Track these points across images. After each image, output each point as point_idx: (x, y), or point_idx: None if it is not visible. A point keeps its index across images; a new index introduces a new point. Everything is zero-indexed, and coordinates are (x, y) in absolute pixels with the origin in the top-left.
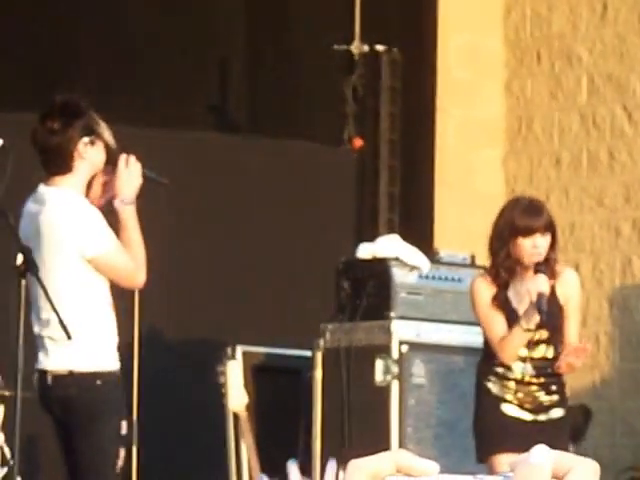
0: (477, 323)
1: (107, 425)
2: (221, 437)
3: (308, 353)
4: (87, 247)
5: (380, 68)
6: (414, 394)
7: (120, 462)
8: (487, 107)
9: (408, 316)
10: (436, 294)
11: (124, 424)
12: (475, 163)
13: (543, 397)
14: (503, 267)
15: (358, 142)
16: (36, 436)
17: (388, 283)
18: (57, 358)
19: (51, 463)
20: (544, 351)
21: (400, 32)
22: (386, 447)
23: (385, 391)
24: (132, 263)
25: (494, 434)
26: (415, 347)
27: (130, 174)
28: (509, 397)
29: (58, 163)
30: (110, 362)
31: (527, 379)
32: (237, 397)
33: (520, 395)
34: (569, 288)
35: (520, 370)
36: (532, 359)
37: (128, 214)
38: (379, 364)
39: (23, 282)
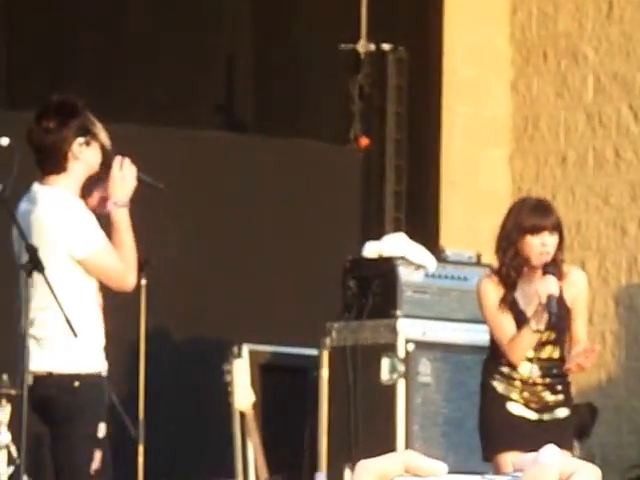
0: (483, 321)
1: (83, 427)
2: (227, 436)
3: (314, 352)
4: (77, 248)
5: (386, 67)
6: (420, 393)
7: (95, 464)
8: (493, 106)
9: (414, 315)
10: (442, 293)
11: (102, 426)
12: (481, 162)
13: (548, 397)
14: (511, 266)
15: (364, 141)
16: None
17: (394, 282)
18: (38, 358)
19: None
20: (551, 352)
21: (406, 31)
22: (392, 446)
23: (391, 390)
24: (122, 265)
25: (500, 433)
26: (421, 346)
27: (124, 177)
28: (515, 396)
29: (52, 163)
30: (91, 364)
31: (533, 379)
32: (243, 396)
33: (526, 394)
34: (576, 288)
35: (527, 371)
36: (539, 360)
37: (121, 217)
38: (385, 363)
39: (29, 280)
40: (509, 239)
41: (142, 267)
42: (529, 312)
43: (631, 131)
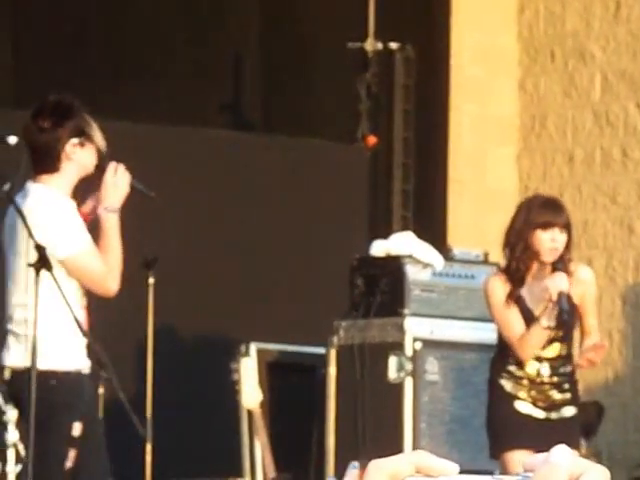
0: (490, 320)
1: (57, 425)
2: (235, 434)
3: (322, 350)
4: (59, 248)
5: (394, 66)
6: (427, 391)
7: (69, 463)
8: (501, 105)
9: (422, 313)
10: (449, 291)
11: (77, 425)
12: (488, 161)
13: (556, 395)
14: (521, 260)
15: (372, 140)
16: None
17: (402, 280)
18: (16, 354)
19: None
20: (559, 349)
21: (414, 30)
22: (399, 444)
23: (399, 388)
24: (104, 269)
25: (507, 431)
26: (428, 344)
27: (117, 182)
28: (522, 394)
29: (45, 162)
30: (69, 362)
31: (541, 378)
32: (251, 394)
33: (533, 393)
34: (584, 285)
35: (535, 369)
36: (547, 358)
37: (110, 222)
38: (393, 361)
39: (39, 279)
40: (519, 234)
41: (150, 266)
42: (536, 310)
43: (638, 130)
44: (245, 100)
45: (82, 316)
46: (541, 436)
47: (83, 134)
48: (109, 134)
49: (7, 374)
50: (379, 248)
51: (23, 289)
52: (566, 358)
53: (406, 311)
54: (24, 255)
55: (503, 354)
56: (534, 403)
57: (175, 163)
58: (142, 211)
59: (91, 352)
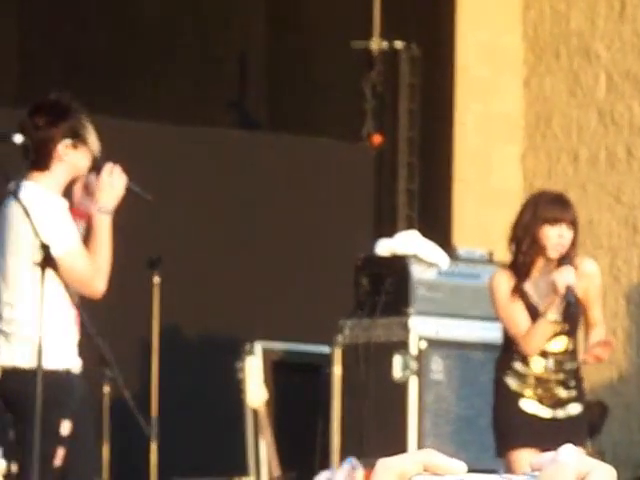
0: (495, 319)
1: (46, 424)
2: (240, 433)
3: (327, 349)
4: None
5: (399, 65)
6: (432, 390)
7: (58, 462)
8: (506, 104)
9: (427, 312)
10: (454, 290)
11: (66, 424)
12: (493, 159)
13: (562, 392)
14: (527, 254)
15: (377, 139)
16: None
17: (407, 279)
18: (4, 352)
19: None
20: (566, 344)
21: (419, 29)
22: (404, 443)
23: (403, 387)
24: (91, 270)
25: (513, 430)
26: (433, 343)
27: (113, 184)
28: (528, 393)
29: (37, 160)
30: (58, 361)
31: (547, 375)
32: (256, 393)
33: (539, 391)
34: (589, 277)
35: (541, 366)
36: (553, 353)
37: (103, 223)
38: (398, 360)
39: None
40: (527, 229)
41: (155, 266)
42: (541, 305)
43: None
44: (250, 99)
45: (74, 314)
46: (547, 435)
47: (77, 136)
48: (113, 133)
49: None
50: (384, 247)
51: (12, 288)
52: (572, 353)
53: (411, 310)
54: (16, 254)
55: (508, 351)
56: (540, 401)
57: (181, 162)
58: (147, 211)
59: (95, 351)
